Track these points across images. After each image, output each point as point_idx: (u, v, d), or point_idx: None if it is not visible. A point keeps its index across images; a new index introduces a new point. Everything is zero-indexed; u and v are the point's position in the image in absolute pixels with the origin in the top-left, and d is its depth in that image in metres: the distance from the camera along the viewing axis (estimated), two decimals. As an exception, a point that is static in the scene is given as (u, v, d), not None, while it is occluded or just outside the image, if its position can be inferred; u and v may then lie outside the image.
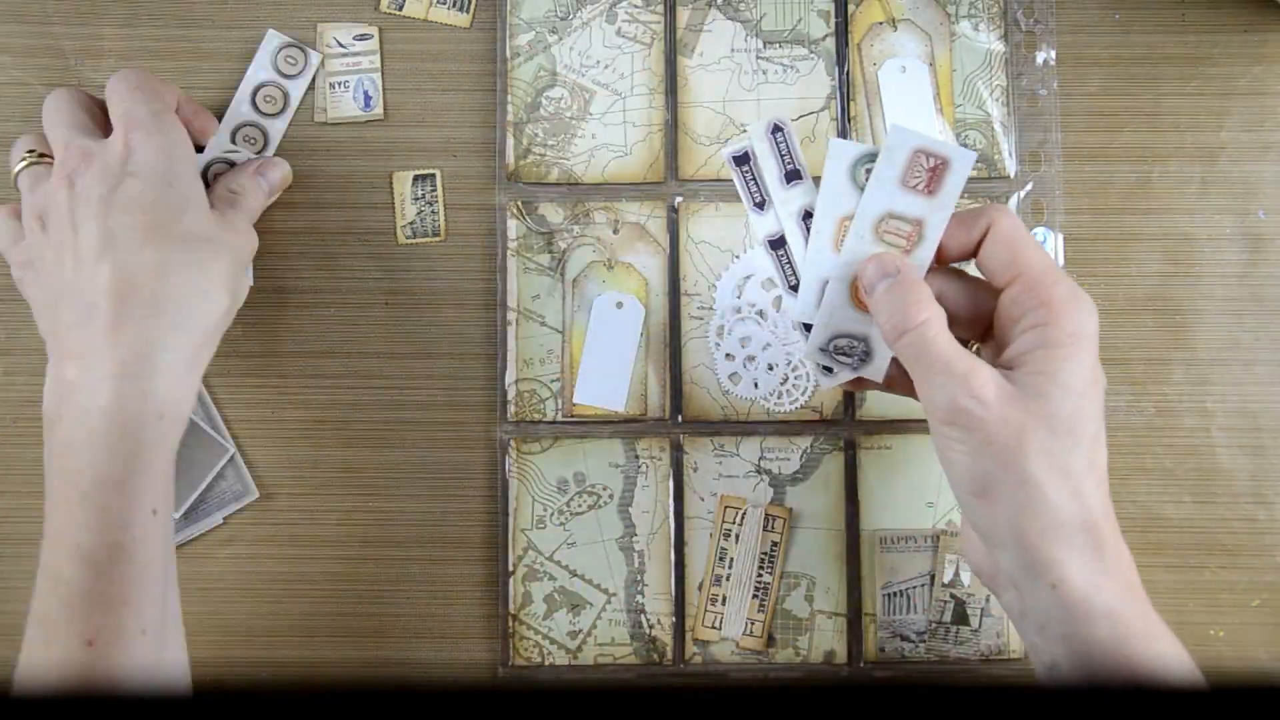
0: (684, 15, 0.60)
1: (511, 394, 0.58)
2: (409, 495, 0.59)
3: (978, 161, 0.58)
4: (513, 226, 0.58)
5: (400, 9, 0.60)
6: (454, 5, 0.60)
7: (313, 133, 0.60)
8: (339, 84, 0.60)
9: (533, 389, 0.58)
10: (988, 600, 0.58)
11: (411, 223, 0.59)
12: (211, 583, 0.58)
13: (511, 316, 0.58)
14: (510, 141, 0.59)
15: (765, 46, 0.59)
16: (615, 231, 0.57)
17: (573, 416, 0.58)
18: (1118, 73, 0.60)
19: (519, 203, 0.59)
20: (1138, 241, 0.60)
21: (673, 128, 0.59)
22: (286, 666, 0.58)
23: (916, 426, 0.58)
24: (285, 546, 0.59)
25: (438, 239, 0.59)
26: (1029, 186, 0.59)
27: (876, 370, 0.50)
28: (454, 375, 0.59)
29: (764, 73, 0.59)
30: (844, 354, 0.49)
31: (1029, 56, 0.59)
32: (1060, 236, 0.59)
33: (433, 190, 0.59)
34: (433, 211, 0.59)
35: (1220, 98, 0.60)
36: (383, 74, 0.60)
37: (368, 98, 0.60)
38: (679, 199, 0.59)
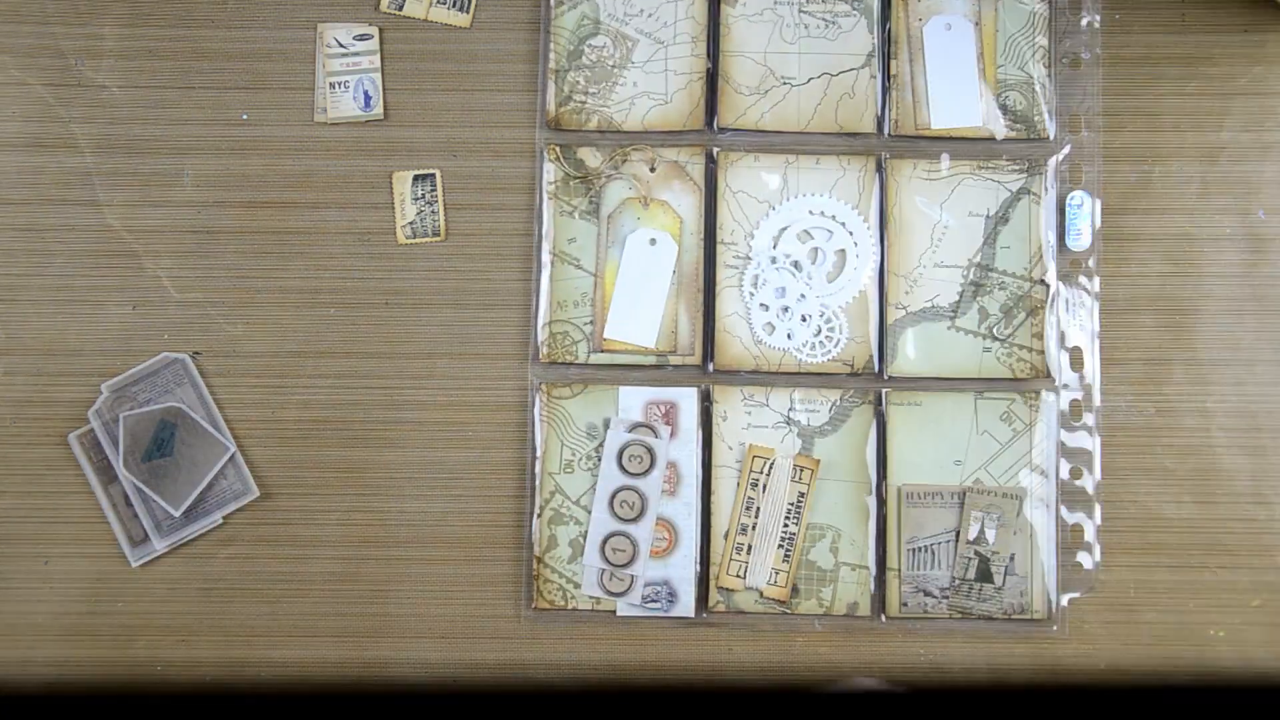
0: None
1: (544, 335, 0.59)
2: (409, 495, 0.59)
3: (1016, 124, 0.59)
4: (550, 170, 0.59)
5: (400, 9, 0.60)
6: (454, 5, 0.60)
7: (313, 133, 0.60)
8: (339, 84, 0.60)
9: (565, 330, 0.59)
10: (1012, 559, 0.57)
11: (411, 223, 0.59)
12: (211, 583, 0.58)
13: (547, 259, 0.59)
14: (551, 88, 0.59)
15: (808, 0, 0.60)
16: (652, 169, 0.58)
17: (603, 350, 0.59)
18: (1118, 73, 0.60)
19: (558, 147, 0.59)
20: (1138, 241, 0.60)
21: (714, 76, 0.60)
22: (286, 666, 0.58)
23: (946, 385, 0.58)
24: (285, 546, 0.59)
25: (438, 239, 0.59)
26: (1066, 149, 0.59)
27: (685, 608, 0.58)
28: (454, 375, 0.59)
29: (805, 26, 0.60)
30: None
31: (1073, 19, 0.59)
32: (1098, 201, 0.59)
33: (432, 190, 0.59)
34: (433, 211, 0.59)
35: (1220, 98, 0.60)
36: (383, 74, 0.60)
37: (368, 98, 0.60)
38: (717, 149, 0.59)
